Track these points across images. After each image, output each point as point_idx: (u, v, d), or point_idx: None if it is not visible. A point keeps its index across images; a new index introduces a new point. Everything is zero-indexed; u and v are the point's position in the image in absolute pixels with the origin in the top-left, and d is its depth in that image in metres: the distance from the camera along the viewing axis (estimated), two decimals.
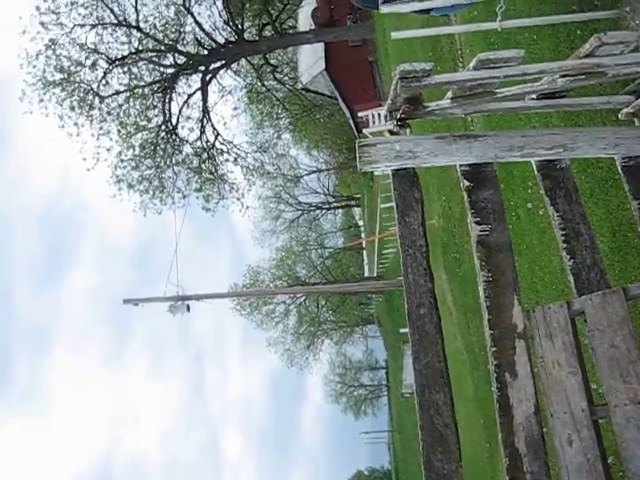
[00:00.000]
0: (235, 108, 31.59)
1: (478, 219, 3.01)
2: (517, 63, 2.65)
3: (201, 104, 27.02)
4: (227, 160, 28.83)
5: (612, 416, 2.73)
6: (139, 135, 25.91)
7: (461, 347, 14.93)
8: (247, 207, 31.37)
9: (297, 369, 58.28)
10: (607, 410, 2.76)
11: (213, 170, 28.16)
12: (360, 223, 60.65)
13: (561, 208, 3.18)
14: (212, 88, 27.83)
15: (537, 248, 7.32)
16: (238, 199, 29.62)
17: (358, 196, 57.13)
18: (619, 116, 3.58)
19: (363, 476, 73.37)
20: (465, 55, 9.05)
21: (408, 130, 3.04)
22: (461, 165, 3.03)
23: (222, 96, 28.81)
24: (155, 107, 25.95)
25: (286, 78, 33.25)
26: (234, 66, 29.14)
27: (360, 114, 24.90)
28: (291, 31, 31.06)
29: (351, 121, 32.68)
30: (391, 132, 3.11)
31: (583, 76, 2.82)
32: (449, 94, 2.90)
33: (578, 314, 2.96)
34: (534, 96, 3.18)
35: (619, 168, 3.30)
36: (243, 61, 29.26)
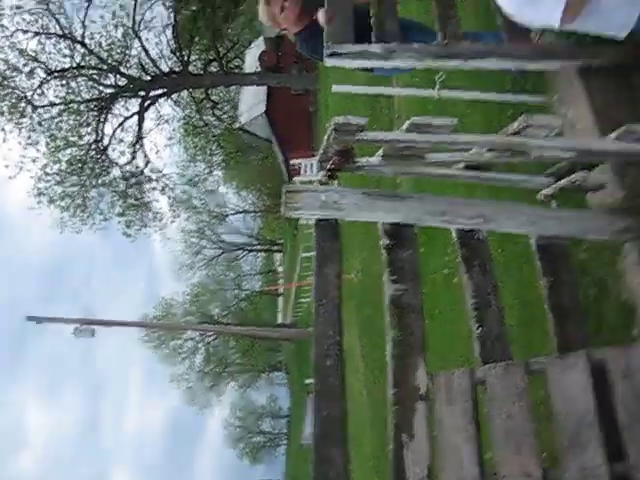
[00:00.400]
0: (170, 138, 31.46)
1: (394, 278, 3.05)
2: (448, 131, 2.73)
3: (136, 129, 26.76)
4: (154, 188, 28.57)
5: None
6: (68, 150, 25.41)
7: (365, 404, 14.93)
8: (168, 238, 31.00)
9: (198, 408, 57.04)
10: None
11: (139, 196, 27.80)
12: (280, 269, 60.67)
13: (475, 277, 3.26)
14: (149, 115, 27.66)
15: (449, 314, 7.46)
16: (160, 229, 29.26)
17: (281, 242, 57.24)
18: (538, 197, 3.73)
19: None
20: (402, 118, 9.30)
21: (336, 182, 3.07)
22: (383, 223, 3.07)
23: (158, 124, 28.70)
24: (89, 125, 25.54)
25: (225, 116, 33.35)
26: (175, 96, 29.09)
27: (293, 162, 25.16)
28: (236, 70, 31.28)
29: (284, 167, 32.96)
30: (321, 182, 3.14)
31: (508, 153, 2.92)
32: (380, 152, 2.96)
33: (480, 382, 3.00)
34: (461, 166, 3.27)
35: (533, 246, 3.42)
36: (184, 93, 29.24)
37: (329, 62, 3.98)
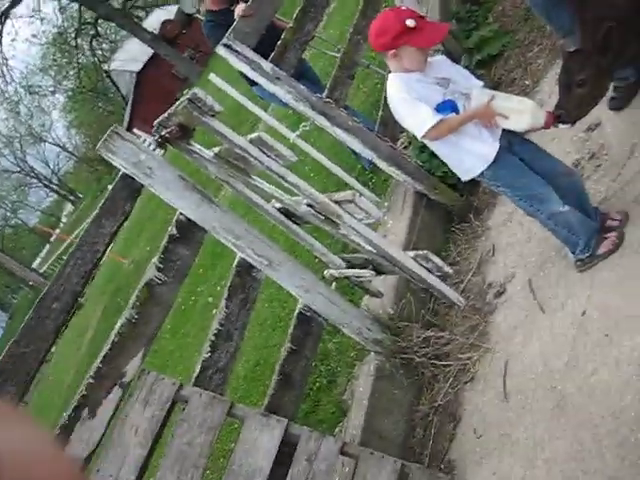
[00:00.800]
0: (35, 36, 29.35)
1: (161, 266, 2.99)
2: (285, 164, 2.78)
3: (6, 5, 24.74)
4: None
5: None
6: None
7: (67, 382, 14.32)
8: None
9: None
10: None
11: None
12: (64, 219, 57.56)
13: (231, 308, 3.26)
14: (28, 1, 25.76)
15: (191, 338, 7.42)
16: None
17: (80, 195, 54.52)
18: (325, 272, 3.86)
19: None
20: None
21: (162, 152, 2.99)
22: (181, 213, 3.02)
23: (32, 16, 26.73)
24: None
25: (100, 51, 31.79)
26: (64, 1, 27.37)
27: (135, 130, 24.34)
28: (135, 19, 30.12)
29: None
30: (152, 146, 3.04)
31: (322, 217, 3.01)
32: (216, 149, 2.93)
33: (182, 400, 2.98)
34: (277, 205, 3.32)
35: (296, 311, 3.50)
36: (75, 5, 27.61)
37: (220, 50, 3.96)
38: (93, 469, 2.83)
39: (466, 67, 4.93)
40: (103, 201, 2.94)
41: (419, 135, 2.84)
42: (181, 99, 2.63)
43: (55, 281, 2.78)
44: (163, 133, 2.90)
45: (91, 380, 2.79)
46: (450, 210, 4.39)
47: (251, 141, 2.71)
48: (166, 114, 2.88)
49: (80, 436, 2.75)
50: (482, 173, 2.92)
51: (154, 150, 3.07)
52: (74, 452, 2.71)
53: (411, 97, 2.78)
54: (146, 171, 2.91)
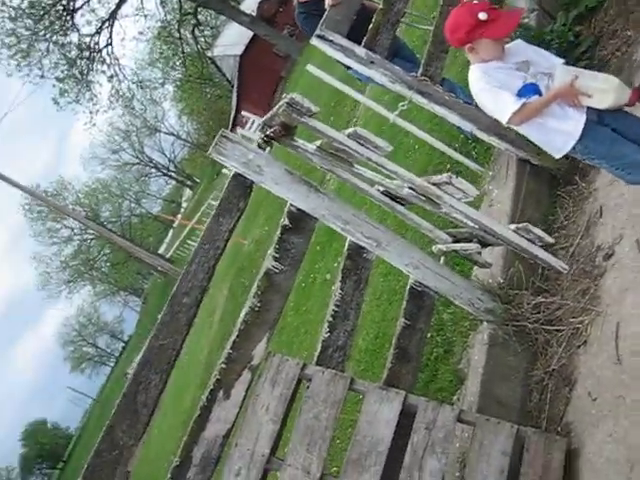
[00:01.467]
0: (141, 33, 30.54)
1: (277, 256, 3.22)
2: (382, 154, 2.92)
3: (113, 7, 25.81)
4: (104, 72, 27.66)
5: (281, 471, 2.99)
6: None
7: (202, 362, 15.08)
8: (94, 125, 30.11)
9: (45, 295, 55.49)
10: (280, 465, 3.01)
11: (85, 72, 26.82)
12: (184, 205, 59.87)
13: (345, 289, 3.46)
14: (132, 0, 26.80)
15: (312, 315, 7.71)
16: (91, 112, 28.39)
17: (197, 180, 56.47)
18: (433, 248, 3.99)
19: (44, 427, 70.45)
20: (358, 124, 9.51)
21: (269, 149, 3.21)
22: (291, 205, 3.23)
23: (137, 14, 27.81)
24: None
25: (202, 39, 32.66)
26: None
27: (244, 113, 24.98)
28: (233, 3, 30.68)
29: (232, 113, 32.58)
30: (259, 144, 3.26)
31: (423, 198, 3.14)
32: (318, 142, 3.12)
33: (306, 379, 3.22)
34: (381, 189, 3.48)
35: (408, 286, 3.65)
36: None
37: (314, 41, 4.12)
38: (232, 444, 3.12)
39: (563, 25, 4.87)
40: (219, 201, 3.20)
41: (504, 121, 2.91)
42: (280, 102, 2.82)
43: (183, 278, 3.07)
44: (268, 132, 3.11)
45: (223, 365, 3.07)
46: (555, 174, 4.38)
47: (348, 136, 2.87)
48: (269, 115, 3.09)
49: (218, 415, 3.04)
50: (574, 149, 2.95)
51: (259, 132, 3.29)
52: (214, 430, 3.01)
53: (491, 86, 2.85)
54: (256, 169, 3.14)
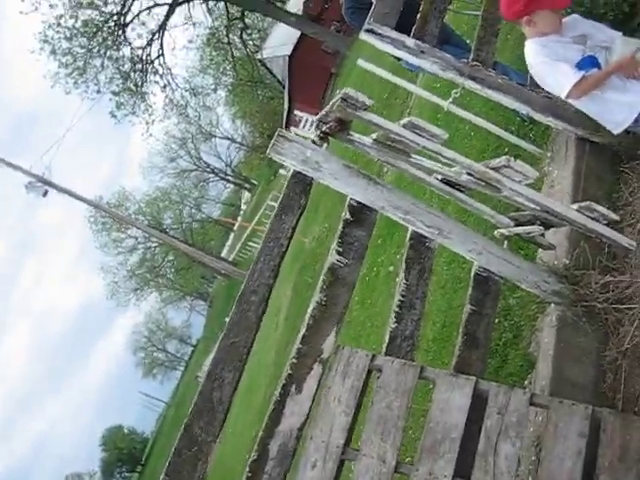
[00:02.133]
0: (190, 41, 31.05)
1: (340, 249, 3.26)
2: (439, 142, 2.93)
3: (162, 18, 26.28)
4: (157, 82, 28.22)
5: (357, 461, 3.03)
6: (89, 11, 24.82)
7: (270, 362, 15.25)
8: (150, 135, 30.73)
9: (114, 304, 56.90)
10: (356, 455, 3.05)
11: (139, 83, 27.40)
12: (243, 207, 60.52)
13: (410, 279, 3.48)
14: (181, 10, 27.22)
15: (378, 307, 7.74)
16: (147, 123, 28.98)
17: (254, 182, 57.01)
18: (495, 233, 3.96)
19: (121, 433, 72.35)
20: (412, 114, 9.48)
21: (325, 145, 3.25)
22: (351, 199, 3.27)
23: (185, 23, 28.26)
24: None
25: (251, 42, 32.96)
26: (211, 3, 28.62)
27: (296, 112, 25.13)
28: (279, 4, 30.87)
29: (285, 114, 32.77)
30: (314, 141, 3.31)
31: (483, 183, 3.14)
32: (374, 135, 3.14)
33: (376, 369, 3.25)
34: (439, 177, 3.48)
35: (472, 273, 3.65)
36: (221, 4, 28.80)
37: (364, 36, 4.15)
38: (307, 436, 3.18)
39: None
40: (280, 199, 3.26)
41: (563, 95, 2.88)
42: (335, 97, 2.86)
43: (250, 276, 3.14)
44: (324, 129, 3.15)
45: (294, 360, 3.13)
46: (617, 150, 4.29)
47: (404, 126, 2.89)
48: (323, 112, 3.13)
49: (292, 409, 3.11)
50: (636, 121, 2.90)
51: (314, 129, 3.34)
52: (289, 423, 3.07)
53: (550, 59, 2.82)
54: (314, 166, 3.19)
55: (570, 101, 3.02)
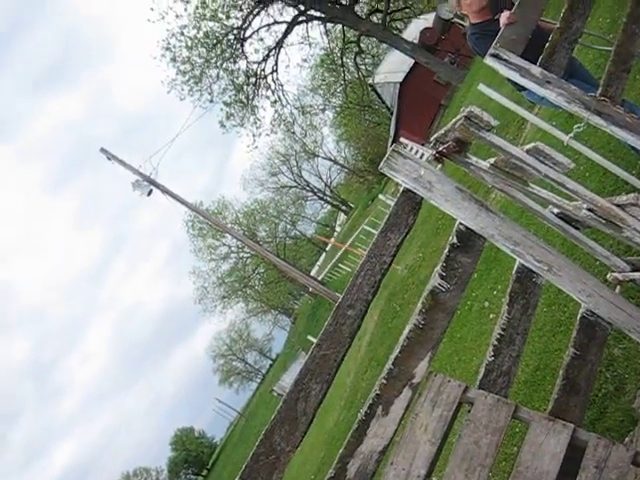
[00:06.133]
0: (305, 60, 31.63)
1: (444, 274, 3.15)
2: (562, 171, 2.80)
3: (280, 36, 26.93)
4: (268, 97, 28.83)
5: None
6: (211, 24, 25.75)
7: (348, 384, 15.14)
8: (256, 147, 31.36)
9: (201, 310, 58.22)
10: None
11: (250, 96, 28.09)
12: (337, 229, 60.88)
13: (512, 313, 3.33)
14: (298, 30, 27.80)
15: (468, 343, 7.52)
16: (254, 135, 29.61)
17: (351, 205, 57.30)
18: (608, 276, 3.76)
19: (191, 435, 73.63)
20: (524, 144, 9.23)
21: (440, 165, 3.17)
22: (461, 223, 3.17)
23: (302, 42, 28.81)
24: (241, 10, 25.82)
25: (363, 66, 33.27)
26: (329, 26, 29.11)
27: (402, 140, 25.06)
28: (395, 32, 31.04)
29: (391, 140, 32.80)
30: (428, 160, 3.23)
31: (604, 220, 2.97)
32: (492, 160, 3.04)
33: (467, 402, 3.11)
34: (555, 211, 3.33)
35: (578, 316, 3.46)
36: (339, 27, 29.24)
37: (488, 60, 4.04)
38: (387, 461, 3.07)
39: None
40: (388, 216, 3.18)
41: None
42: (458, 116, 2.78)
43: (349, 290, 3.07)
44: (440, 149, 3.06)
45: (384, 381, 3.04)
46: None
47: (527, 151, 2.77)
48: (442, 131, 3.05)
49: (375, 431, 3.01)
50: None
51: (426, 159, 3.25)
52: (371, 445, 2.97)
53: None
54: (426, 185, 3.11)
55: None
